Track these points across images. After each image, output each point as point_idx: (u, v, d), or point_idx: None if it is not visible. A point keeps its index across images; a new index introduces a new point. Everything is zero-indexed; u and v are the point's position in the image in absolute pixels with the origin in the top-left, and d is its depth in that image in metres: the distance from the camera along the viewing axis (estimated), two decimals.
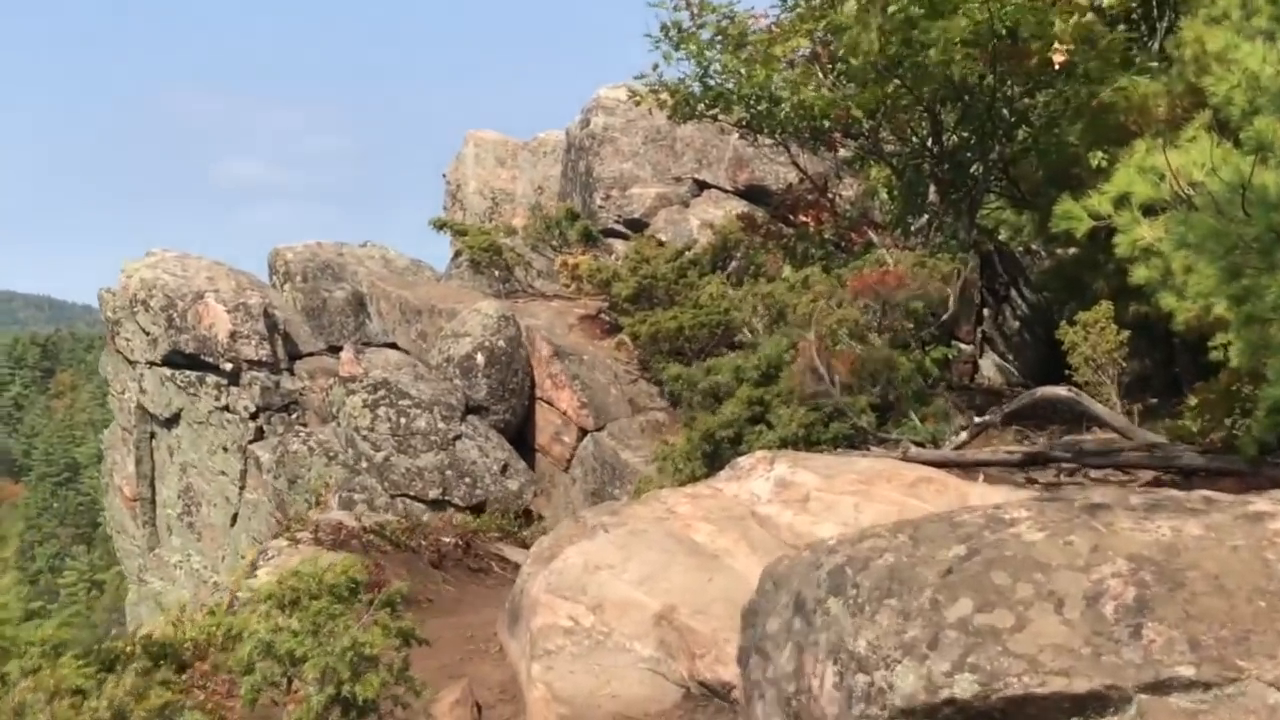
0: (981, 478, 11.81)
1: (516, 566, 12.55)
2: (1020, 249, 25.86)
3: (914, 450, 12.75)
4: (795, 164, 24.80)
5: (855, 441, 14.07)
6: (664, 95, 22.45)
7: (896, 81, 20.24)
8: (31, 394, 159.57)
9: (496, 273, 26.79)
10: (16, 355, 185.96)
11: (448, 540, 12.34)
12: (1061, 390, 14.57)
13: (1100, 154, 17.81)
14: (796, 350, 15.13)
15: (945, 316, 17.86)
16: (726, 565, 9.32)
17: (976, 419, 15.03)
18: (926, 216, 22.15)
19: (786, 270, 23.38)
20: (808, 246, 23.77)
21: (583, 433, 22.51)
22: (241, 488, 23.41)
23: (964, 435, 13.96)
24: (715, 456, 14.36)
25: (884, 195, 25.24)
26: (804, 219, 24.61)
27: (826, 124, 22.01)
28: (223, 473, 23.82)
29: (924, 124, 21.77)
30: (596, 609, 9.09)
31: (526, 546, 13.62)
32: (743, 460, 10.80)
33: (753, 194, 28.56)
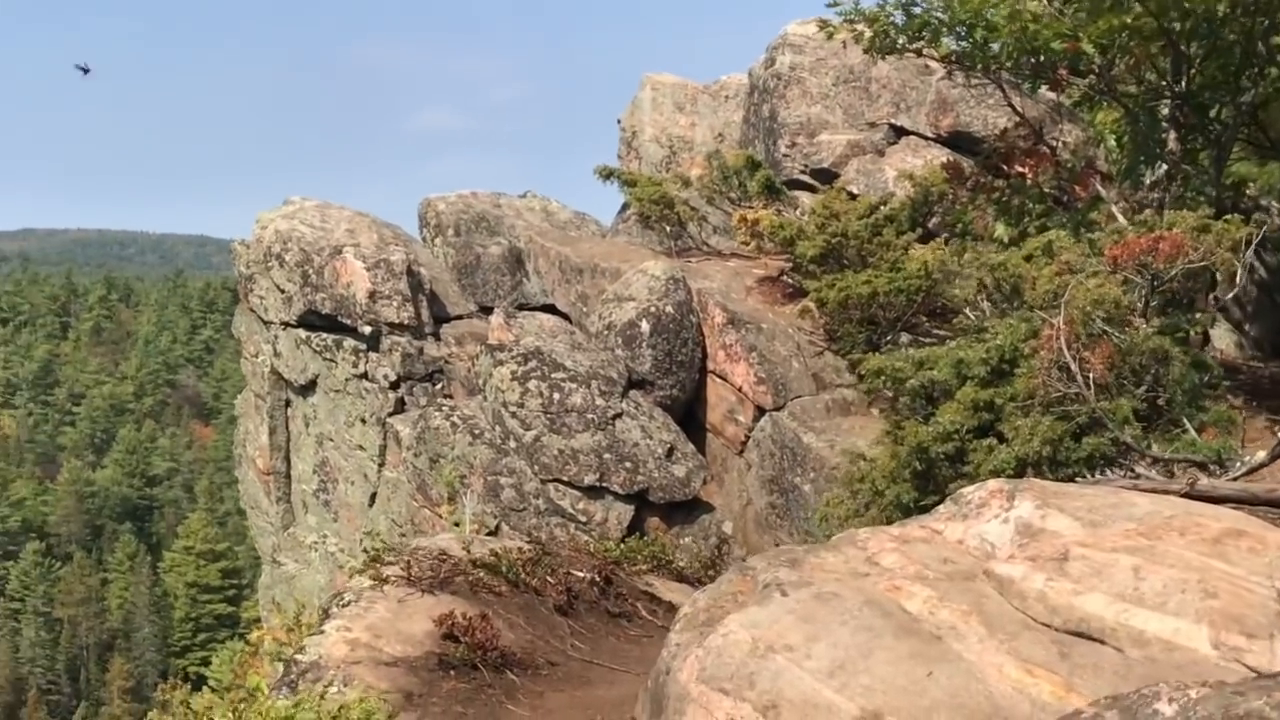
0: None
1: (670, 608, 9.91)
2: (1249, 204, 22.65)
3: (1205, 482, 9.37)
4: (1011, 106, 21.71)
5: (1116, 461, 10.94)
6: (860, 26, 19.67)
7: (1138, 8, 17.27)
8: (222, 338, 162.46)
9: (667, 228, 24.18)
10: (208, 299, 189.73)
11: (581, 575, 9.71)
12: None
13: None
14: (1038, 339, 12.04)
15: (1229, 296, 14.63)
16: (953, 652, 6.58)
17: None
18: (1165, 167, 19.13)
19: (999, 228, 20.45)
20: (1024, 201, 20.74)
21: (760, 412, 19.97)
22: (381, 464, 21.29)
23: (1261, 455, 10.69)
24: (928, 477, 11.36)
25: (1111, 143, 22.24)
26: (1020, 169, 21.50)
27: (1051, 58, 19.00)
28: (360, 447, 21.70)
29: (1165, 60, 18.78)
30: (769, 710, 6.45)
31: (684, 580, 10.96)
32: (969, 492, 7.98)
33: (957, 141, 25.60)
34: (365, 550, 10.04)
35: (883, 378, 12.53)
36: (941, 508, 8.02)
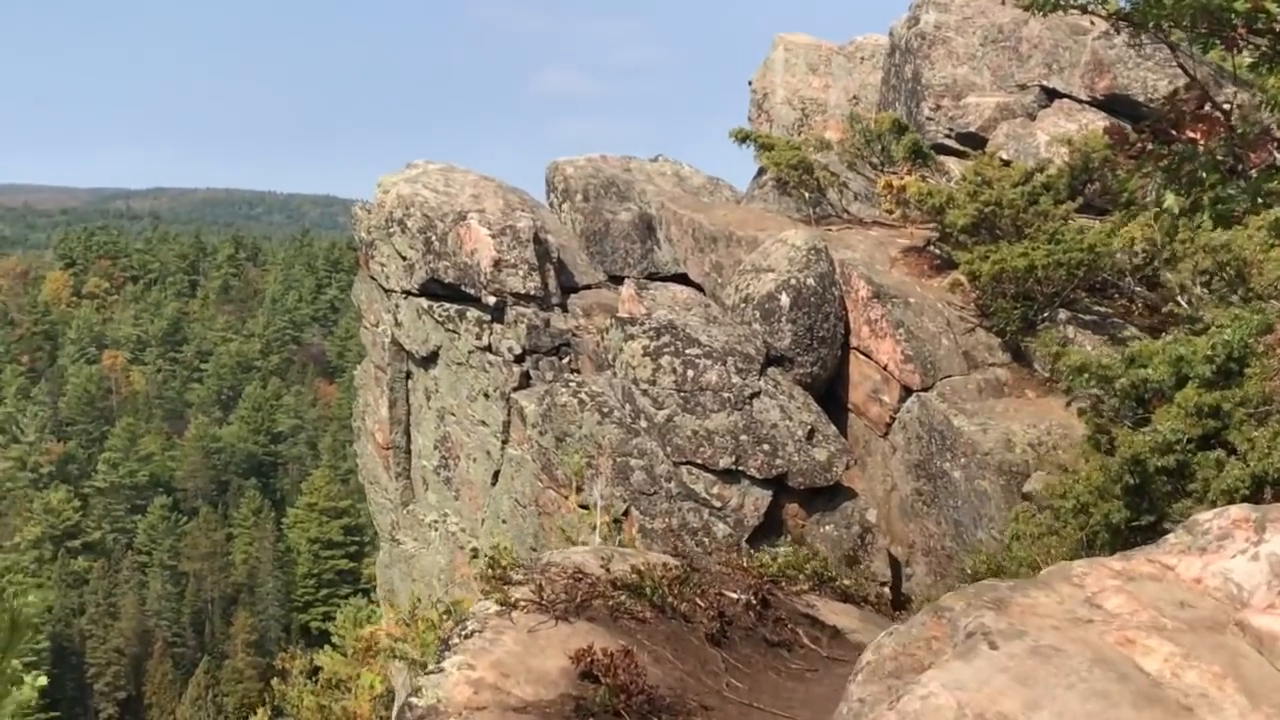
0: None
1: (835, 634, 8.75)
2: None
3: None
4: (1182, 67, 20.02)
5: None
6: None
7: None
8: (346, 298, 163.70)
9: (806, 194, 22.90)
10: (334, 259, 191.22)
11: (735, 597, 8.53)
12: None
13: None
14: (1273, 334, 10.60)
15: None
16: None
17: None
18: None
19: (1168, 198, 18.87)
20: (1195, 169, 19.14)
21: (906, 391, 18.73)
22: (504, 441, 20.32)
23: None
24: (1142, 493, 9.96)
25: None
26: (1191, 135, 19.89)
27: (1234, 14, 17.40)
28: (483, 423, 20.75)
29: None
30: None
31: (850, 599, 9.78)
32: (1206, 520, 6.73)
33: (1113, 105, 23.96)
34: (491, 565, 8.95)
35: (1086, 375, 11.07)
36: (1171, 537, 6.77)
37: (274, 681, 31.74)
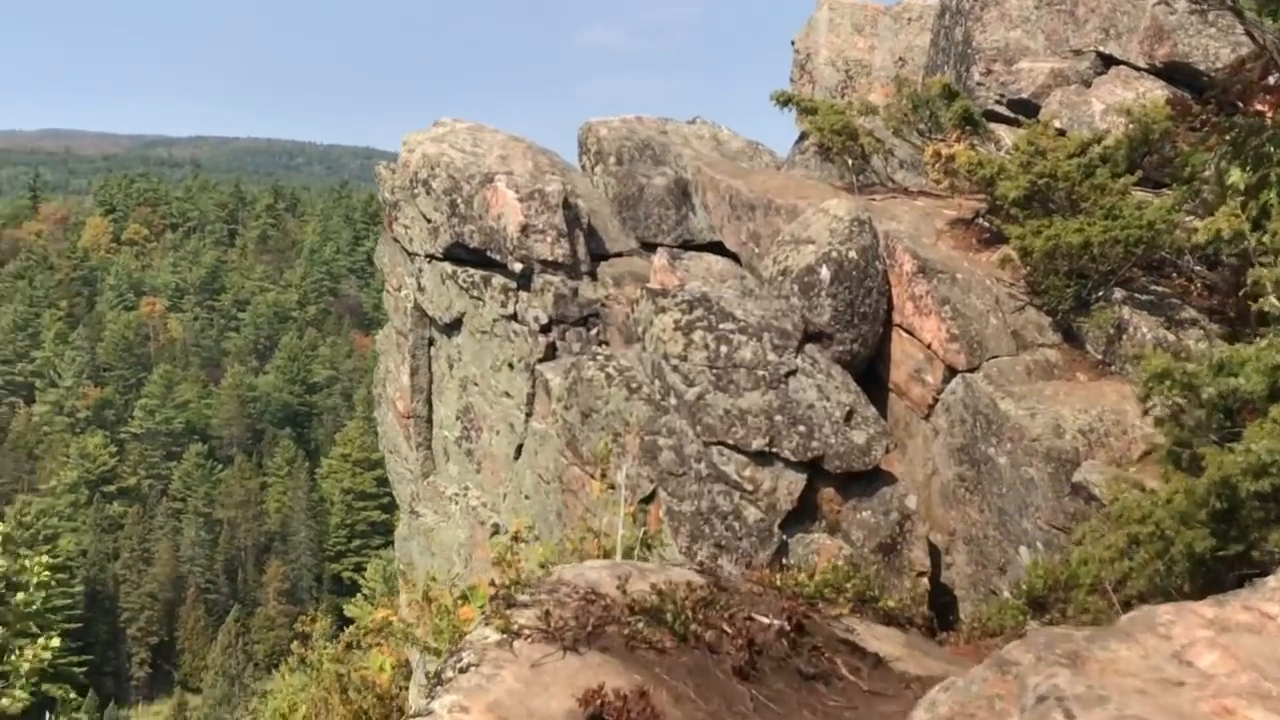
0: None
1: (877, 663, 7.89)
2: None
3: None
4: (1250, 34, 19.03)
5: None
6: None
7: None
8: None
9: (849, 161, 21.95)
10: (372, 211, 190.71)
11: (766, 622, 7.61)
12: None
13: None
14: None
15: None
16: None
17: None
18: None
19: (1234, 174, 17.93)
20: (1261, 143, 18.16)
21: (951, 372, 17.87)
22: (528, 414, 19.55)
23: None
24: (1230, 520, 8.93)
25: None
26: (1258, 107, 18.89)
27: None
28: (507, 394, 19.99)
29: None
30: None
31: (892, 621, 8.90)
32: None
33: (1172, 73, 22.89)
34: (493, 585, 8.12)
35: (1169, 383, 10.10)
36: (1272, 580, 5.92)
37: (294, 645, 31.40)
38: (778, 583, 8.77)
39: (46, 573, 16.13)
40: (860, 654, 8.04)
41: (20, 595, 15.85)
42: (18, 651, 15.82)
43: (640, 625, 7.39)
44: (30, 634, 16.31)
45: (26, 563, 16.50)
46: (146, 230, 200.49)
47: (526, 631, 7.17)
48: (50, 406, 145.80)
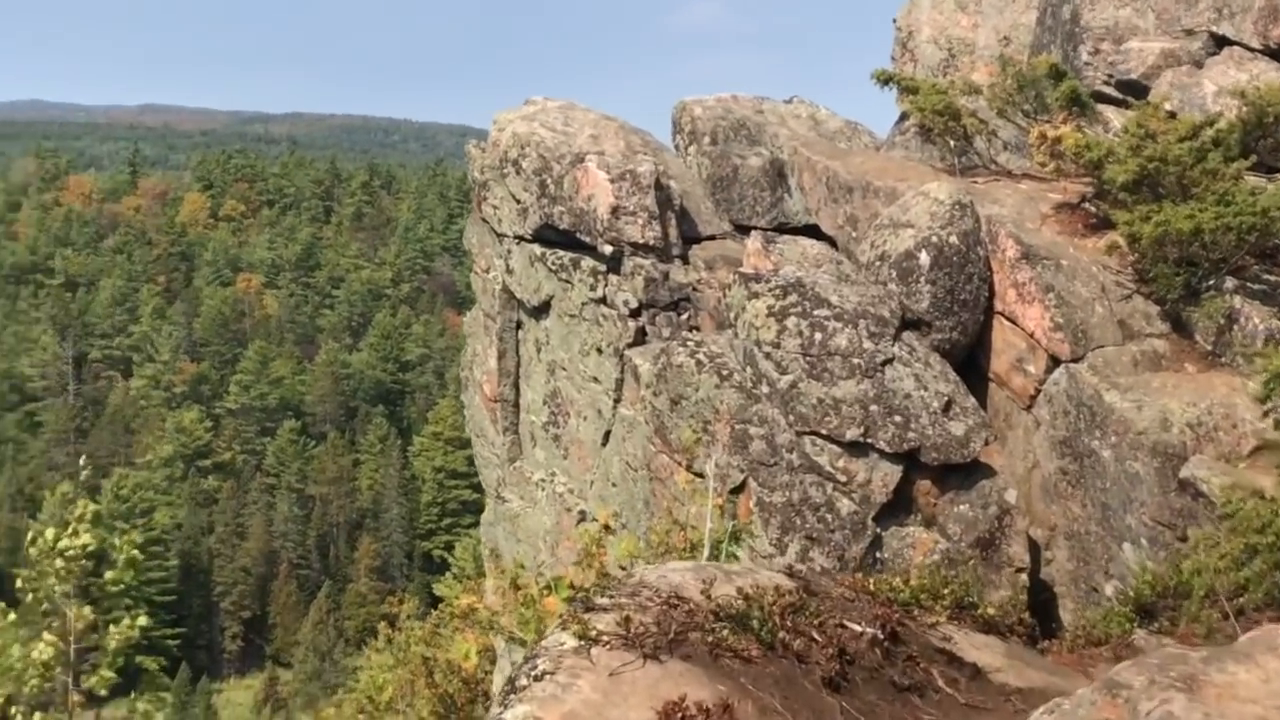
0: None
1: (975, 674, 7.41)
2: None
3: None
4: None
5: None
6: None
7: None
8: None
9: (951, 143, 21.34)
10: (466, 189, 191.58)
11: (858, 630, 7.16)
12: None
13: None
14: None
15: None
16: None
17: None
18: None
19: None
20: None
21: (1054, 362, 17.29)
22: (616, 400, 19.18)
23: None
24: None
25: None
26: None
27: None
28: (595, 379, 19.62)
29: None
30: None
31: (992, 629, 8.38)
32: None
33: None
34: (571, 589, 7.71)
35: None
36: None
37: (381, 626, 31.43)
38: (871, 587, 8.26)
39: (135, 550, 16.01)
40: (958, 664, 7.54)
41: (109, 574, 15.76)
42: (106, 630, 15.75)
43: (725, 632, 6.95)
44: (118, 613, 16.23)
45: (116, 540, 16.43)
46: (243, 206, 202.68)
47: (605, 638, 6.75)
48: (147, 381, 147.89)
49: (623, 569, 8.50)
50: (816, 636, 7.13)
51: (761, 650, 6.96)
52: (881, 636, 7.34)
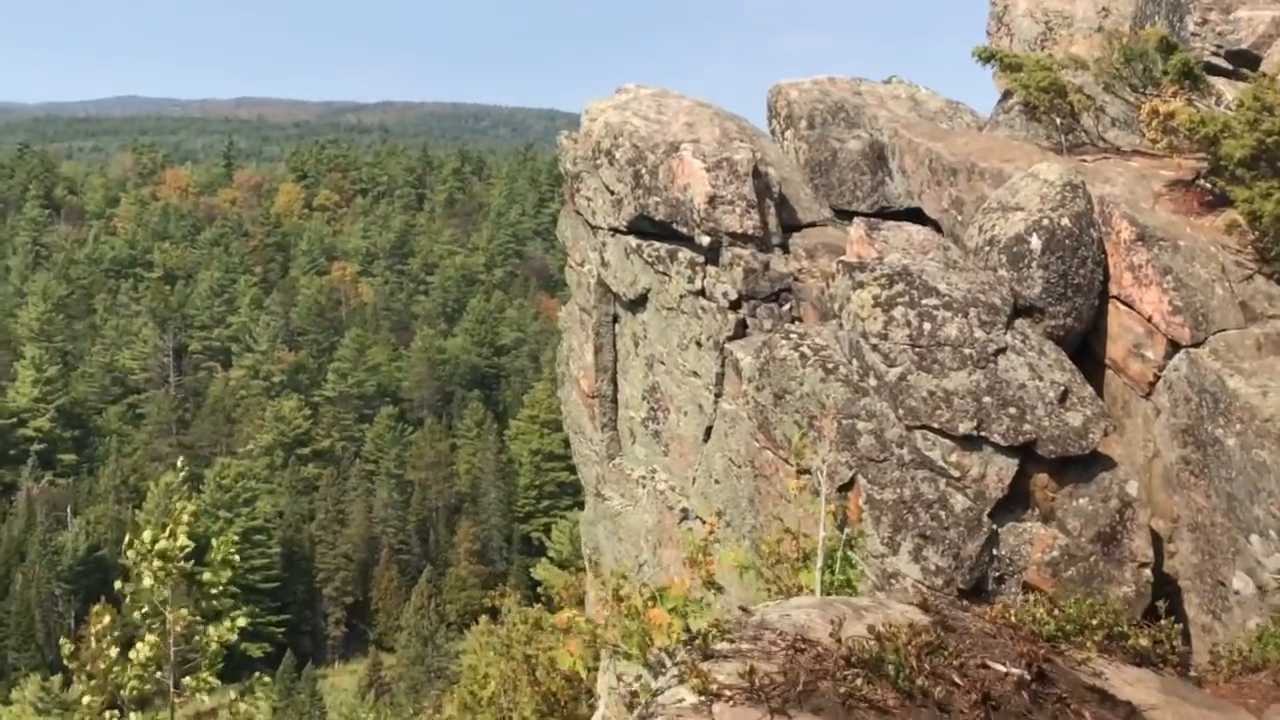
0: None
1: (1130, 713, 6.88)
2: None
3: None
4: None
5: None
6: None
7: None
8: None
9: (1057, 120, 20.64)
10: (556, 173, 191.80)
11: (1002, 671, 6.63)
12: None
13: None
14: None
15: None
16: None
17: None
18: None
19: None
20: None
21: (1173, 347, 16.67)
22: (717, 395, 18.74)
23: None
24: None
25: None
26: None
27: None
28: (695, 373, 19.19)
29: None
30: None
31: (1144, 662, 7.81)
32: None
33: None
34: (686, 633, 7.22)
35: None
36: None
37: (483, 619, 31.27)
38: (1013, 619, 7.72)
39: (233, 550, 15.83)
40: (1111, 703, 6.98)
41: (207, 575, 15.61)
42: (206, 633, 15.59)
43: (858, 680, 6.43)
44: (217, 614, 16.06)
45: (213, 540, 16.25)
46: (337, 196, 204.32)
47: (727, 692, 6.26)
48: (246, 371, 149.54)
49: (744, 610, 7.96)
50: (957, 680, 6.60)
51: (898, 699, 6.43)
52: (1028, 677, 6.80)
